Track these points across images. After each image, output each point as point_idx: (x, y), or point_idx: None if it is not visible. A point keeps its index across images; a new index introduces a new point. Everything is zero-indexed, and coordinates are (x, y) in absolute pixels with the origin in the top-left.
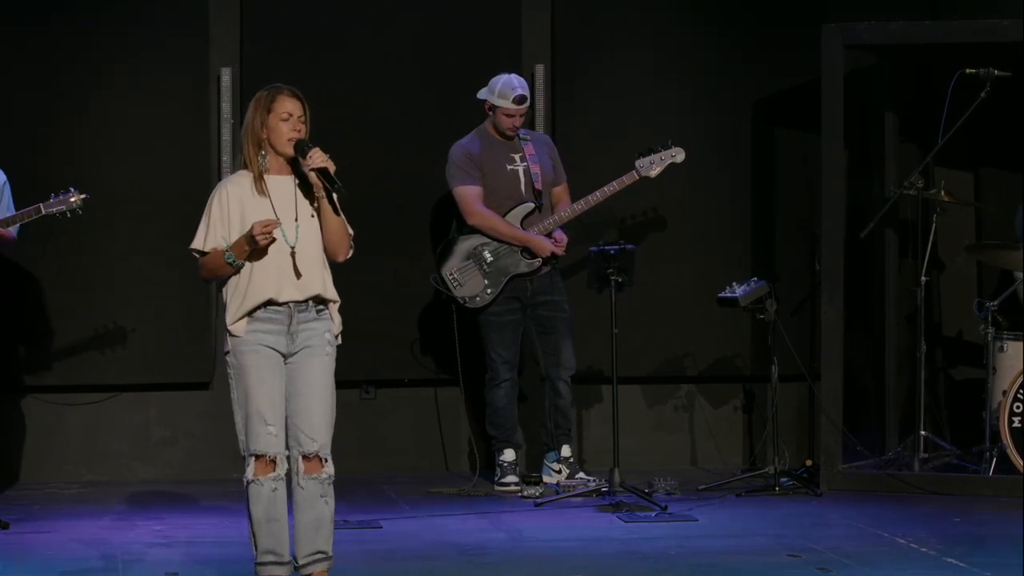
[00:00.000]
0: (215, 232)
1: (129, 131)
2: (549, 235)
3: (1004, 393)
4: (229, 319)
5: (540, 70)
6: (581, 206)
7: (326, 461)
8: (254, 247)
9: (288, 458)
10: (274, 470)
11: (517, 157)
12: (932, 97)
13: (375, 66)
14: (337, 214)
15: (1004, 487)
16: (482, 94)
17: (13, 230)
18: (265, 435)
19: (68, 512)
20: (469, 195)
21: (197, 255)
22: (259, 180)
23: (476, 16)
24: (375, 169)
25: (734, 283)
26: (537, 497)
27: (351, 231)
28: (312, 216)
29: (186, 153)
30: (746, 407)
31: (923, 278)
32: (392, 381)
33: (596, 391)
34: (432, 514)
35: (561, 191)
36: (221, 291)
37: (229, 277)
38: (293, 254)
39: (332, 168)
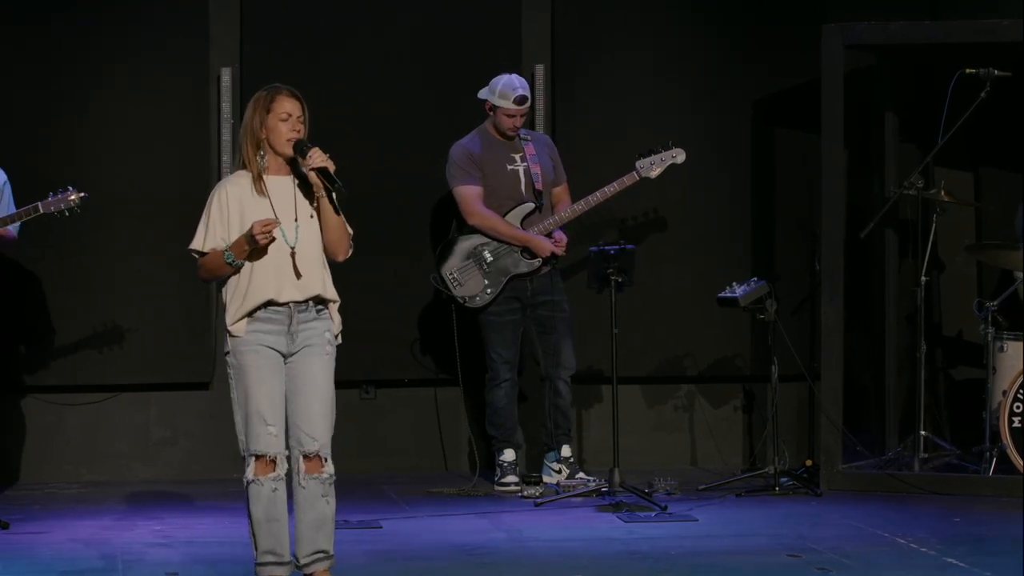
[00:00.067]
0: (214, 232)
1: (129, 131)
2: (549, 235)
3: (1004, 393)
4: (229, 319)
5: (540, 70)
6: (581, 206)
7: (326, 460)
8: (254, 247)
9: (288, 458)
10: (274, 470)
11: (518, 157)
12: (932, 97)
13: (375, 66)
14: (337, 214)
15: (1004, 487)
16: (483, 94)
17: (14, 229)
18: (265, 435)
19: (68, 512)
20: (469, 195)
21: (196, 255)
22: (258, 180)
23: (476, 16)
24: (375, 169)
25: (734, 283)
26: (537, 497)
27: (350, 231)
28: (312, 216)
29: (186, 153)
30: (746, 407)
31: (923, 278)
32: (392, 381)
33: (596, 391)
34: (432, 514)
35: (561, 191)
36: (221, 291)
37: (229, 277)
38: (293, 254)
39: (332, 168)
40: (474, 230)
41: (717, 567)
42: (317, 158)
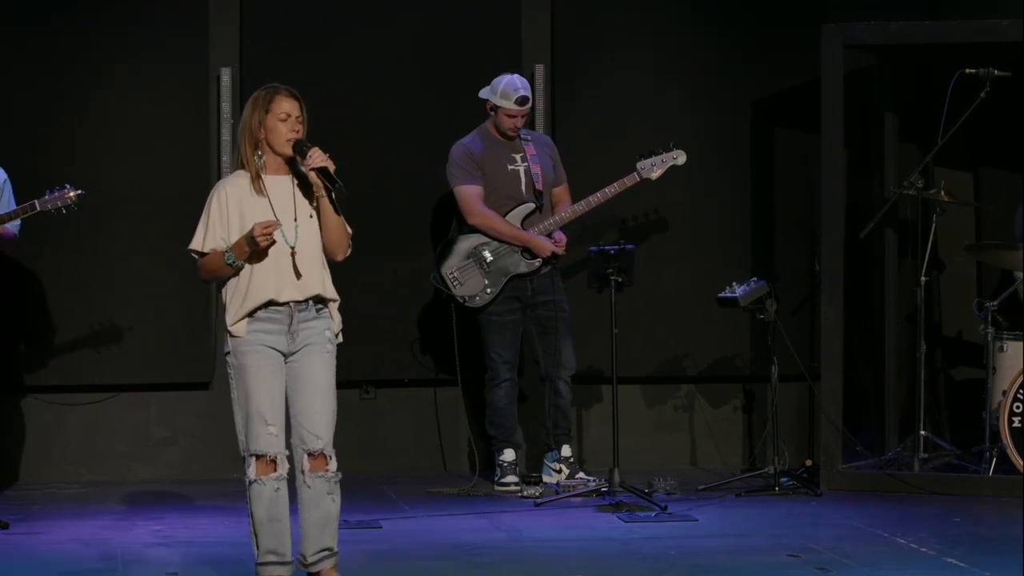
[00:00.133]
0: (214, 233)
1: (129, 131)
2: (549, 235)
3: (1004, 393)
4: (229, 320)
5: (540, 70)
6: (582, 207)
7: (331, 458)
8: (254, 248)
9: (288, 458)
10: (275, 470)
11: (518, 157)
12: (932, 97)
13: (375, 66)
14: (337, 214)
15: (1004, 487)
16: (484, 93)
17: (14, 228)
18: (265, 435)
19: (68, 512)
20: (470, 195)
21: (196, 256)
22: (257, 180)
23: (476, 16)
24: (375, 169)
25: (734, 283)
26: (537, 497)
27: (349, 230)
28: (311, 216)
29: (186, 153)
30: (746, 407)
31: (923, 278)
32: (392, 381)
33: (596, 391)
34: (432, 514)
35: (561, 191)
36: (221, 291)
37: (229, 278)
38: (293, 254)
39: (332, 167)
40: (474, 230)
41: (717, 567)
42: (317, 158)
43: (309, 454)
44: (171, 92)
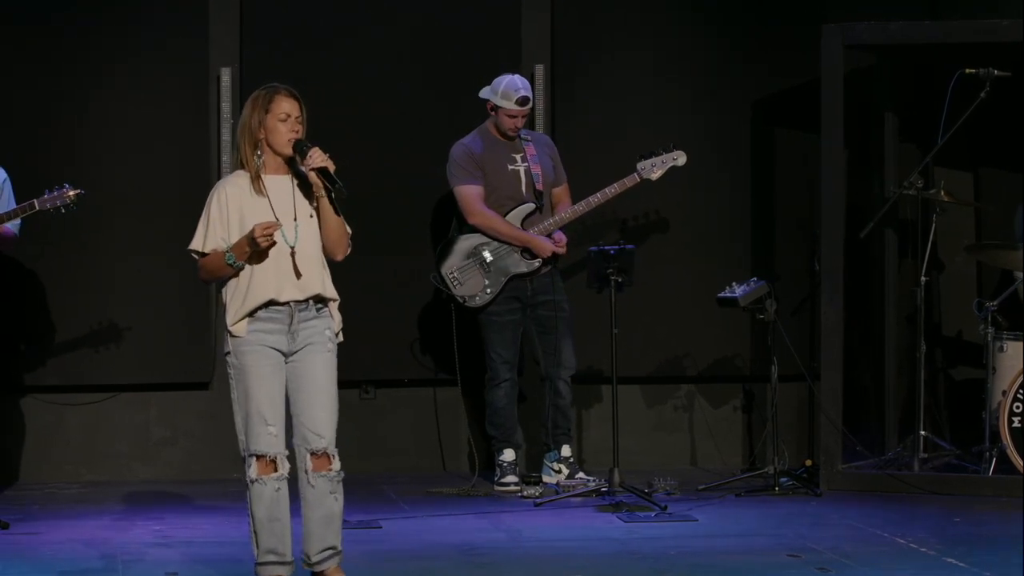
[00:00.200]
0: (214, 233)
1: (129, 131)
2: (549, 235)
3: (1004, 393)
4: (230, 320)
5: (540, 70)
6: (582, 207)
7: (334, 457)
8: (255, 249)
9: (289, 458)
10: (276, 470)
11: (518, 157)
12: (932, 97)
13: (375, 66)
14: (337, 214)
15: (1004, 487)
16: (484, 93)
17: (14, 227)
18: (265, 435)
19: (68, 512)
20: (470, 194)
21: (196, 256)
22: (256, 180)
23: (476, 16)
24: (375, 169)
25: (734, 283)
26: (537, 497)
27: (349, 230)
28: (311, 216)
29: (186, 153)
30: (746, 407)
31: (923, 278)
32: (392, 381)
33: (596, 391)
34: (432, 514)
35: (561, 192)
36: (221, 291)
37: (229, 278)
38: (293, 254)
39: (332, 168)
40: (474, 229)
41: (717, 567)
42: (317, 158)
43: (312, 453)
44: (171, 92)
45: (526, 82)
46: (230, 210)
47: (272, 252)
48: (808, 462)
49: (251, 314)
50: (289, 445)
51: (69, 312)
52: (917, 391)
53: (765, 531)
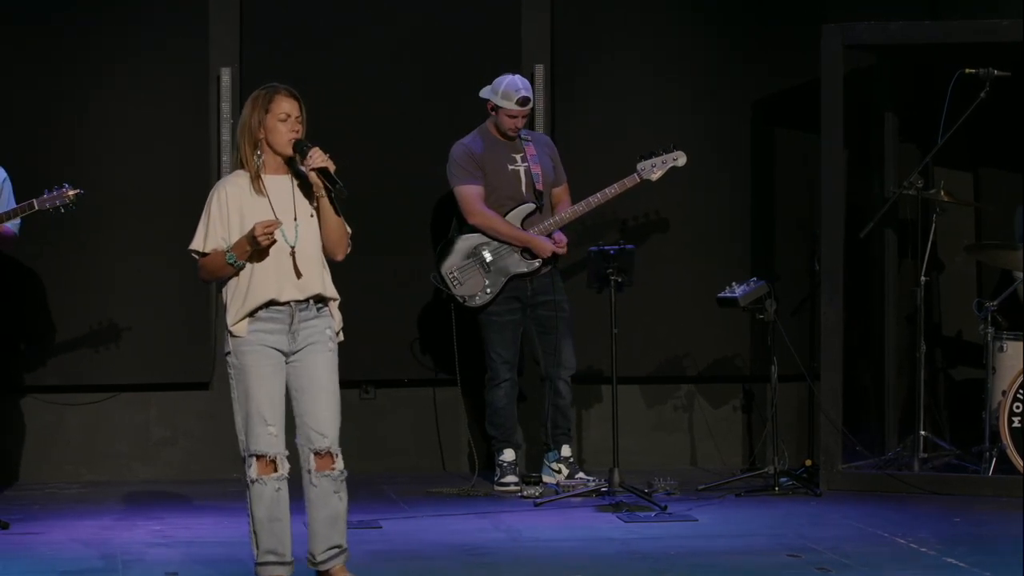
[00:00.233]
0: (215, 233)
1: (129, 131)
2: (549, 236)
3: (1004, 393)
4: (230, 320)
5: (540, 70)
6: (582, 207)
7: (337, 456)
8: (256, 247)
9: (289, 458)
10: (276, 470)
11: (518, 157)
12: (932, 97)
13: (375, 66)
14: (338, 214)
15: (1004, 487)
16: (485, 93)
17: (14, 227)
18: (266, 435)
19: (68, 512)
20: (470, 194)
21: (196, 256)
22: (256, 180)
23: (476, 16)
24: (375, 169)
25: (734, 283)
26: (537, 497)
27: (349, 230)
28: (311, 215)
29: (186, 153)
30: (746, 407)
31: (923, 278)
32: (392, 381)
33: (596, 391)
34: (432, 514)
35: (561, 192)
36: (221, 291)
37: (229, 278)
38: (293, 254)
39: (332, 168)
40: (474, 229)
41: (717, 567)
42: (318, 158)
43: (315, 453)
44: (171, 92)
45: (527, 82)
46: (230, 210)
47: (272, 252)
48: (808, 462)
49: (252, 314)
50: (291, 445)
51: (69, 312)
52: (917, 391)
53: (765, 531)
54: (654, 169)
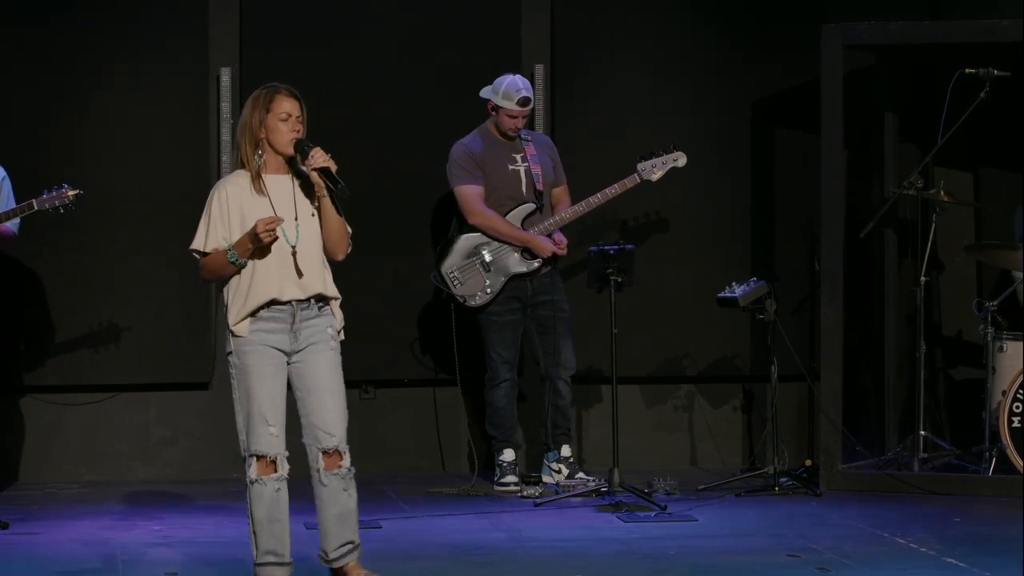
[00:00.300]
0: (215, 232)
1: (129, 131)
2: (549, 236)
3: (1004, 393)
4: (232, 319)
5: (540, 70)
6: (582, 207)
7: (345, 454)
8: (258, 245)
9: (289, 458)
10: (276, 471)
11: (519, 157)
12: (932, 97)
13: (375, 66)
14: (339, 214)
15: (1004, 487)
16: (485, 93)
17: (14, 226)
18: (266, 436)
19: (68, 512)
20: (470, 194)
21: (197, 255)
22: (257, 179)
23: (476, 16)
24: (375, 169)
25: (734, 283)
26: (537, 497)
27: (349, 229)
28: (312, 215)
29: (186, 153)
30: (746, 407)
31: (923, 278)
32: (392, 381)
33: (596, 391)
34: (432, 514)
35: (561, 192)
36: (222, 291)
37: (230, 277)
38: (294, 253)
39: (334, 167)
40: (474, 229)
41: (717, 567)
42: (319, 158)
43: (324, 452)
44: (171, 92)
45: (527, 83)
46: (231, 209)
47: (273, 251)
48: (808, 462)
49: (253, 314)
50: (291, 445)
51: (69, 312)
52: (917, 391)
53: (765, 531)
54: (654, 169)
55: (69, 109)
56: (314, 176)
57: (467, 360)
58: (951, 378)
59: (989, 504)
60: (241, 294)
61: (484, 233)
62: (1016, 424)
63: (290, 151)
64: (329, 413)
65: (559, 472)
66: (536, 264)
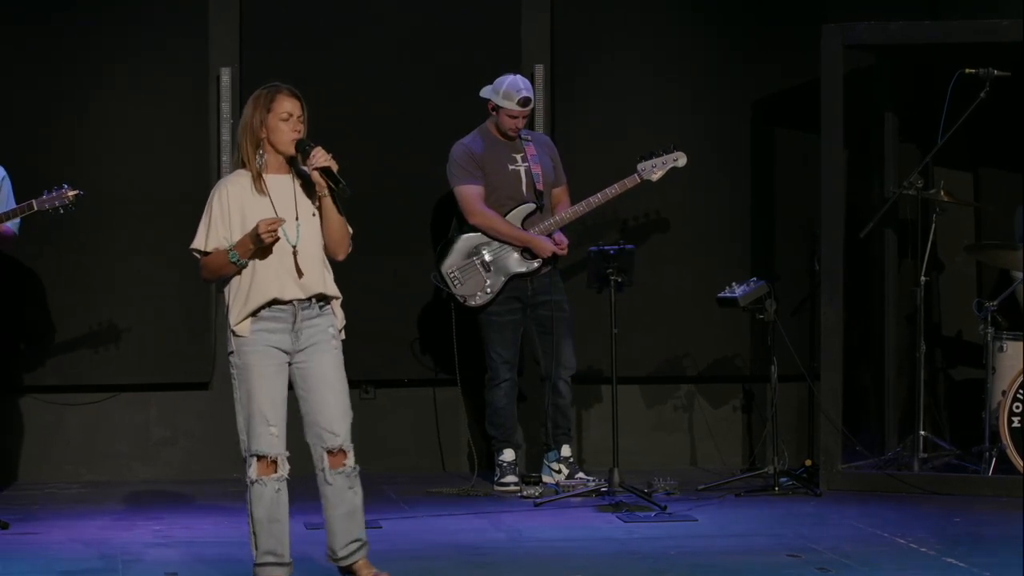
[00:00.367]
0: (216, 232)
1: (129, 131)
2: (549, 236)
3: (1003, 393)
4: (233, 319)
5: (540, 70)
6: (582, 208)
7: (349, 452)
8: (259, 246)
9: (289, 459)
10: (276, 471)
11: (519, 157)
12: (932, 97)
13: (375, 66)
14: (340, 213)
15: (1004, 487)
16: (486, 92)
17: (13, 226)
18: (267, 436)
19: (68, 512)
20: (471, 194)
21: (198, 255)
22: (258, 179)
23: (476, 16)
24: (375, 169)
25: (734, 283)
26: (537, 497)
27: (350, 229)
28: (313, 215)
29: (186, 153)
30: (746, 407)
31: (923, 278)
32: (392, 381)
33: (596, 391)
34: (432, 514)
35: (561, 192)
36: (222, 291)
37: (231, 277)
38: (295, 253)
39: (335, 167)
40: (474, 229)
41: (717, 567)
42: (320, 157)
43: (328, 451)
44: (171, 92)
45: (528, 83)
46: (231, 209)
47: (274, 251)
48: (808, 462)
49: (254, 313)
50: (291, 446)
51: (69, 312)
52: (917, 391)
53: (765, 531)
54: (654, 169)
55: (69, 109)
56: (315, 176)
57: (467, 360)
58: (951, 378)
59: (989, 504)
60: (242, 294)
61: (484, 233)
62: (1016, 424)
63: (291, 151)
64: (333, 412)
65: (559, 472)
66: (536, 264)
